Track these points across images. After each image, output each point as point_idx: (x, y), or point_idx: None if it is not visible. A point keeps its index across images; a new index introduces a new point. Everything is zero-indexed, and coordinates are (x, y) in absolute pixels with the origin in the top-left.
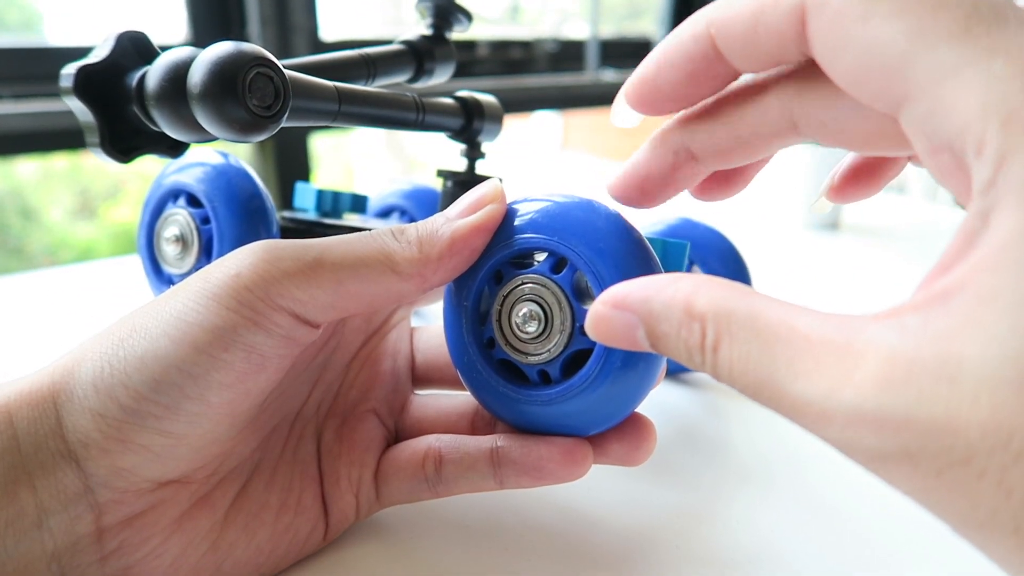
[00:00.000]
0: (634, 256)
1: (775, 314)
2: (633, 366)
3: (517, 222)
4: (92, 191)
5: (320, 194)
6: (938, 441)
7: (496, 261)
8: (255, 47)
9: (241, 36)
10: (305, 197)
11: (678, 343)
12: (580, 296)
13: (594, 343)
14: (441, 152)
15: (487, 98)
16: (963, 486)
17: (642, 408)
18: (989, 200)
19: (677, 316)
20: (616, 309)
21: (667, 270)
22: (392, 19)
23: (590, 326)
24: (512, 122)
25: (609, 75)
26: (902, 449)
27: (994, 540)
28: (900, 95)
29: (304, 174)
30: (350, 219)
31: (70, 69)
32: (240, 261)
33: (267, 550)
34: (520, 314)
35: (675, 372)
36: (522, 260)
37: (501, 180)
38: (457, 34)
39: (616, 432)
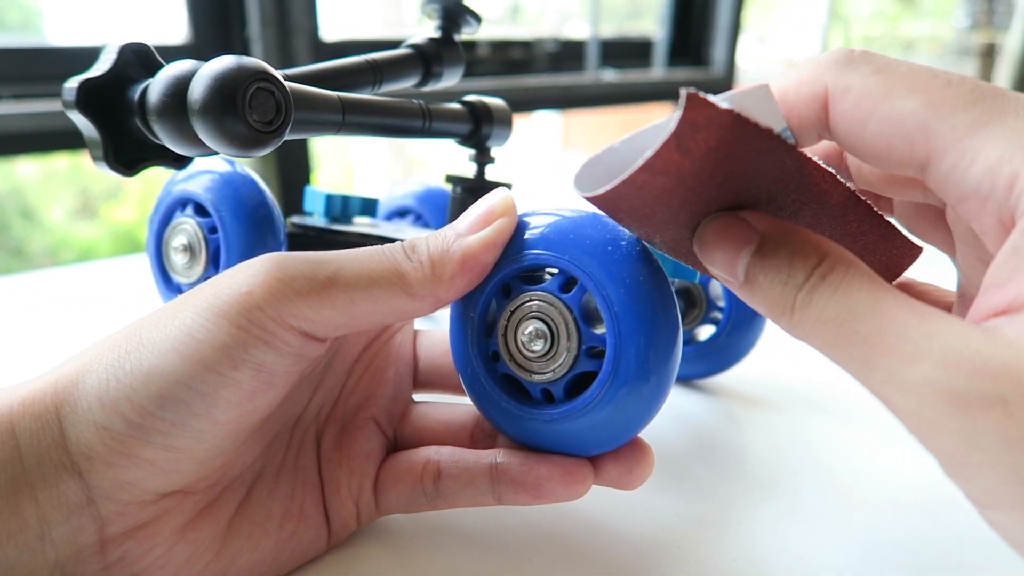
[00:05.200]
0: (646, 281)
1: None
2: (637, 391)
3: (528, 236)
4: (93, 191)
5: (329, 198)
6: None
7: (505, 274)
8: (257, 61)
9: (241, 37)
10: (314, 202)
11: (786, 262)
12: (588, 318)
13: (599, 366)
14: (443, 153)
15: (496, 102)
16: None
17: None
18: None
19: (799, 242)
20: (736, 221)
21: (680, 279)
22: (393, 20)
23: (701, 234)
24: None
25: (610, 75)
26: (997, 395)
27: None
28: (924, 157)
29: (304, 175)
30: (360, 222)
31: (72, 83)
32: (252, 278)
33: (271, 558)
34: (526, 332)
35: (689, 378)
36: (531, 274)
37: (511, 187)
38: (464, 36)
39: (612, 453)
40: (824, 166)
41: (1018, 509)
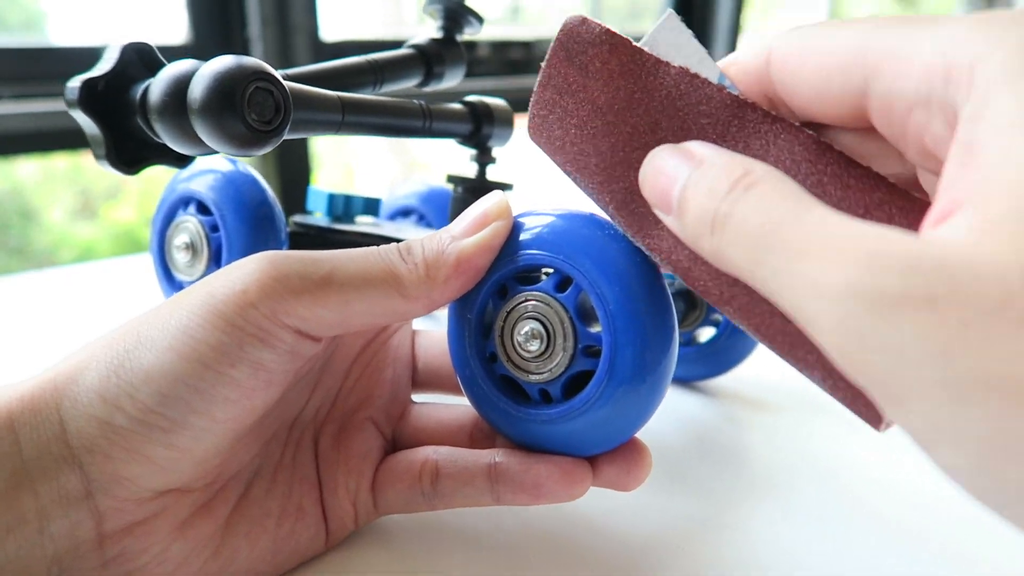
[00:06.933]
0: (640, 278)
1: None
2: (635, 389)
3: (523, 236)
4: (93, 191)
5: (332, 198)
6: (970, 286)
7: (501, 275)
8: (256, 61)
9: (241, 37)
10: (317, 201)
11: (714, 175)
12: (584, 317)
13: (596, 365)
14: (444, 153)
15: (497, 102)
16: (993, 338)
17: (656, 416)
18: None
19: (731, 159)
20: (678, 148)
21: (674, 279)
22: (393, 20)
23: (644, 169)
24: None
25: None
26: (925, 292)
27: None
28: (862, 79)
29: (305, 175)
30: (362, 222)
31: (74, 83)
32: (246, 276)
33: (269, 556)
34: (523, 332)
35: (690, 380)
36: (527, 275)
37: (511, 187)
38: (466, 36)
39: (610, 454)
40: (778, 115)
41: (962, 444)
